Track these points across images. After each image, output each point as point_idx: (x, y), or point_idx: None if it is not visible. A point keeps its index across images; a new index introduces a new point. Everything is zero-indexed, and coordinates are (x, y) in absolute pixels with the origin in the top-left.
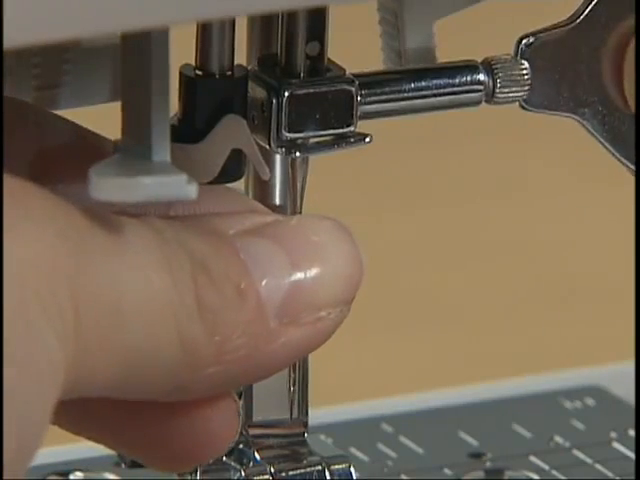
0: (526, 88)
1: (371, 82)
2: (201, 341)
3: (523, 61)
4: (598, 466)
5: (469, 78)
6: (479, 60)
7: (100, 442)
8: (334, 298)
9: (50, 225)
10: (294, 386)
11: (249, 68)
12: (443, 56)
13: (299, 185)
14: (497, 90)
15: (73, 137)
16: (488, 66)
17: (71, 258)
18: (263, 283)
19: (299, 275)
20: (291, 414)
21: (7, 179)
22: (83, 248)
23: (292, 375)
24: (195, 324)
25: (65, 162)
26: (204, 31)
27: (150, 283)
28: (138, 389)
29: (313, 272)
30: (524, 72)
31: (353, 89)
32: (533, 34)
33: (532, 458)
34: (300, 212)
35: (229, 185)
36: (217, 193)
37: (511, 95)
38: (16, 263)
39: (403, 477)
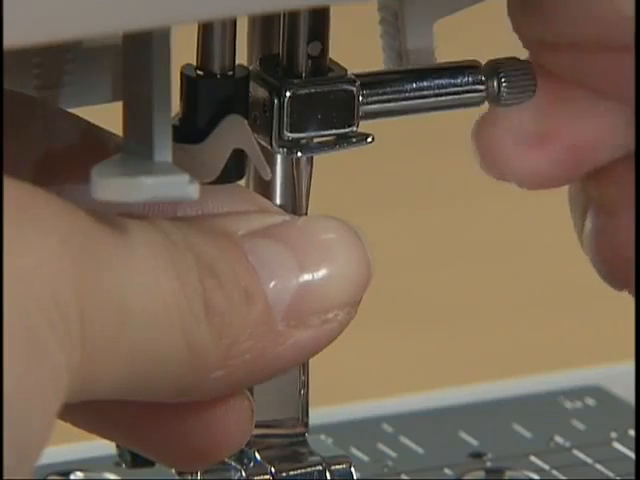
0: (532, 90)
1: (373, 82)
2: (208, 345)
3: (529, 63)
4: (598, 466)
5: (470, 78)
6: (482, 60)
7: (115, 441)
8: (342, 300)
9: (55, 230)
10: (304, 389)
11: (250, 68)
12: (443, 56)
13: (304, 185)
14: (502, 92)
15: (82, 135)
16: (494, 68)
17: (76, 263)
18: (270, 285)
19: (307, 277)
20: (301, 417)
21: (13, 183)
22: (88, 253)
23: (302, 378)
24: (202, 328)
25: (74, 160)
26: (205, 31)
27: (157, 287)
28: (144, 392)
29: (321, 274)
30: (530, 74)
31: (354, 89)
32: None
33: (532, 458)
34: (306, 212)
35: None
36: (225, 191)
37: (516, 97)
38: (19, 270)
39: (403, 477)
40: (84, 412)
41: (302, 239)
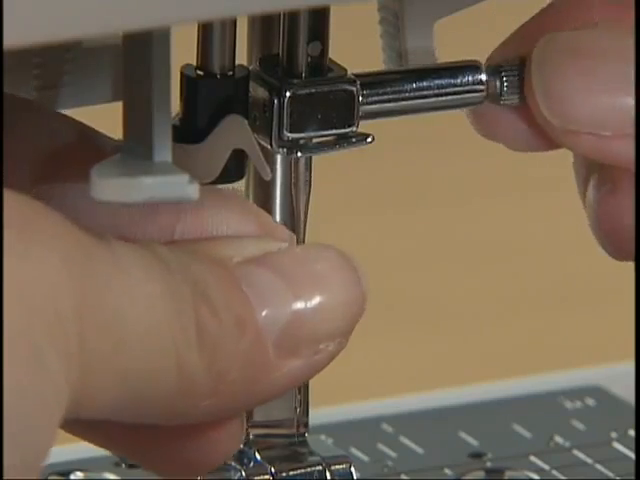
0: None
1: (372, 82)
2: (199, 372)
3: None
4: (598, 466)
5: (470, 78)
6: (482, 60)
7: (109, 450)
8: (333, 331)
9: (56, 247)
10: (303, 389)
11: (250, 68)
12: (443, 56)
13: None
14: (503, 91)
15: (77, 138)
16: (495, 68)
17: (76, 280)
18: (263, 315)
19: (300, 308)
20: (301, 417)
21: (15, 197)
22: (89, 272)
23: None
24: (194, 355)
25: (67, 163)
26: (205, 31)
27: (152, 311)
28: (136, 414)
29: (314, 305)
30: None
31: (354, 89)
32: None
33: (532, 458)
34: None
35: (230, 185)
36: (227, 209)
37: (517, 97)
38: (21, 284)
39: (403, 477)
40: (78, 424)
41: (297, 269)
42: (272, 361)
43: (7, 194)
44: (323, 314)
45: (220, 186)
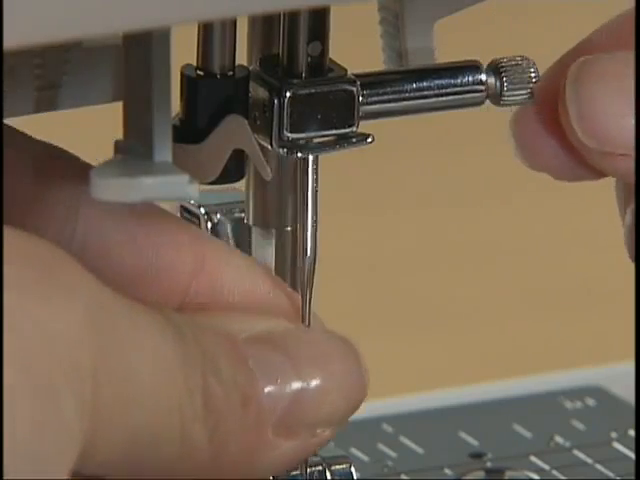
0: (533, 88)
1: (373, 82)
2: (200, 439)
3: (531, 63)
4: (598, 466)
5: (471, 78)
6: (482, 60)
7: None
8: (332, 417)
9: (79, 299)
10: None
11: (250, 68)
12: (443, 56)
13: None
14: (504, 92)
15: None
16: (494, 67)
17: (96, 333)
18: (266, 393)
19: (302, 391)
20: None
21: (37, 242)
22: (108, 326)
23: None
24: (198, 425)
25: (68, 164)
26: (205, 31)
27: (163, 374)
28: (138, 471)
29: (316, 390)
30: (532, 74)
31: (355, 89)
32: None
33: (532, 458)
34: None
35: (231, 185)
36: (240, 273)
37: (518, 97)
38: (44, 328)
39: (403, 477)
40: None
41: (302, 351)
42: (270, 440)
43: (29, 238)
44: (324, 401)
45: (221, 185)
